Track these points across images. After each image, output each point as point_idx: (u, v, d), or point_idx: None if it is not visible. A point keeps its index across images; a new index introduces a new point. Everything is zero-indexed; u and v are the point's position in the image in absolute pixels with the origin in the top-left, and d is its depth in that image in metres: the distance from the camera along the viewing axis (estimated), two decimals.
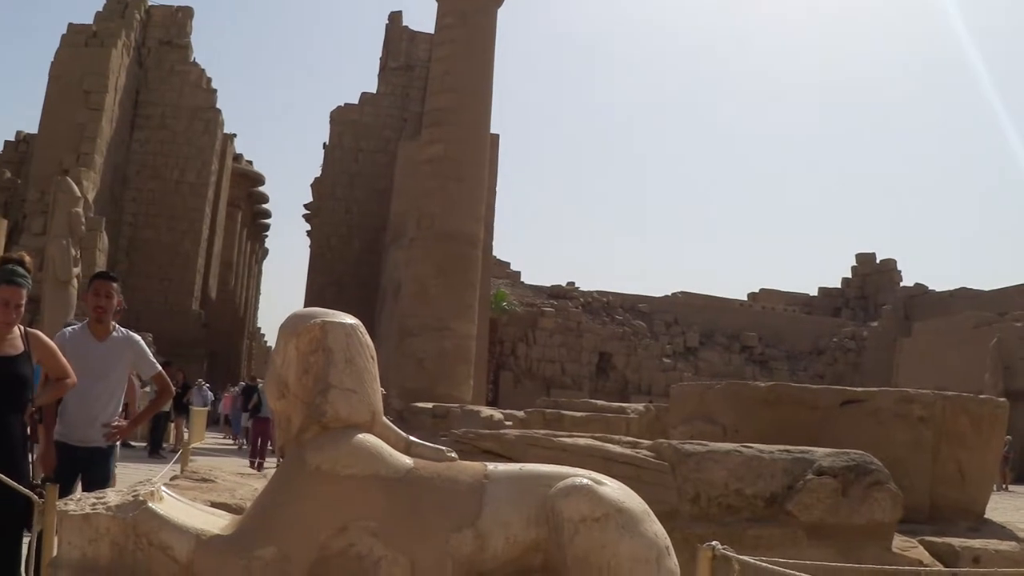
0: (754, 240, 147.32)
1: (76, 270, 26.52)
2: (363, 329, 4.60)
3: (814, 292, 60.17)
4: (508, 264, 49.47)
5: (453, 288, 26.76)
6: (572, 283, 48.65)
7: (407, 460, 4.32)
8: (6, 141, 45.79)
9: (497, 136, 34.46)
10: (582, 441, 6.67)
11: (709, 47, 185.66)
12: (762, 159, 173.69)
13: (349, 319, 4.56)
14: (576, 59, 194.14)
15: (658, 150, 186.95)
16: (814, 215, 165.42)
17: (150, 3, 48.28)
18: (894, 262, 57.64)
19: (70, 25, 42.19)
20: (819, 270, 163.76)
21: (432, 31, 31.43)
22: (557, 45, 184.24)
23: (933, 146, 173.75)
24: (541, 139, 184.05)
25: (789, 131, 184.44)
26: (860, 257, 59.44)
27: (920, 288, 53.21)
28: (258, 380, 30.13)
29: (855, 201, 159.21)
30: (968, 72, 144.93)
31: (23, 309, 5.69)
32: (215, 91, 49.56)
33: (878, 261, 58.46)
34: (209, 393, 33.88)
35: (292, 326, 4.46)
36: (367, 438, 4.32)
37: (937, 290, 51.99)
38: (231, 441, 32.18)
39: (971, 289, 49.51)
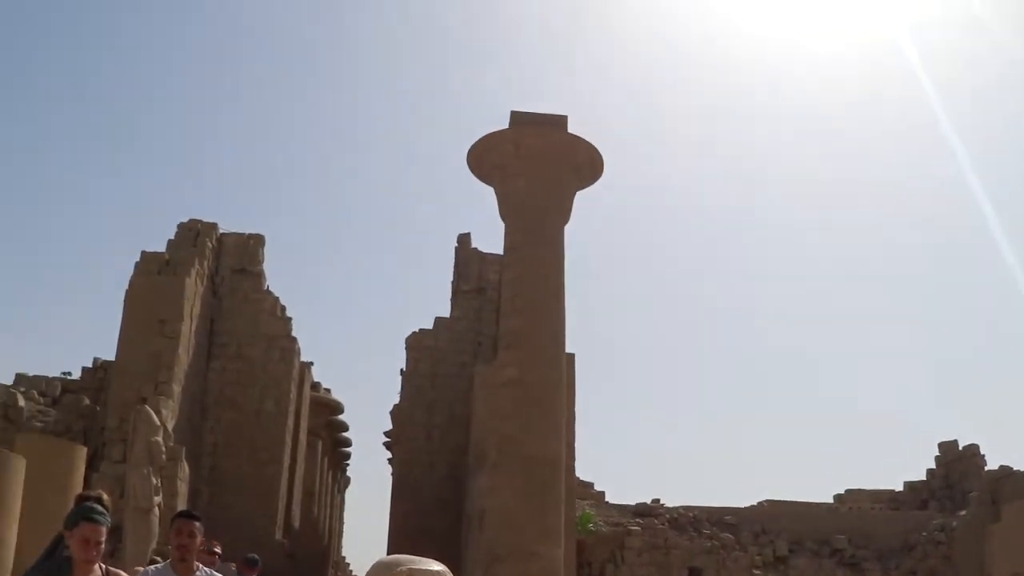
0: (835, 441, 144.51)
1: (157, 499, 26.67)
2: (450, 575, 4.53)
3: (900, 487, 58.68)
4: (592, 484, 48.91)
5: (537, 512, 26.43)
6: (657, 500, 47.79)
7: None
8: (84, 368, 46.65)
9: (573, 355, 34.60)
10: None
11: (785, 240, 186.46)
12: (832, 363, 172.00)
13: (436, 566, 4.49)
14: (647, 268, 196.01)
15: (728, 363, 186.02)
16: (892, 408, 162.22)
17: (221, 231, 49.25)
18: (977, 447, 55.97)
19: (143, 253, 43.11)
20: (903, 464, 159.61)
21: (501, 252, 31.95)
22: (627, 251, 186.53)
23: (1001, 323, 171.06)
24: (619, 357, 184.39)
25: (857, 324, 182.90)
26: (943, 446, 57.96)
27: (1005, 470, 51.50)
28: None
29: (933, 389, 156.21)
30: None
31: (103, 546, 5.75)
32: (290, 319, 50.09)
33: (961, 448, 57.05)
34: None
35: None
36: None
37: (1023, 469, 50.47)
38: None
39: None
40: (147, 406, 32.21)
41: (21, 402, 40.58)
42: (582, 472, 45.54)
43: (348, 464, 75.19)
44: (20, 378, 45.69)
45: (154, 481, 27.07)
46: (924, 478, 58.65)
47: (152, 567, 7.19)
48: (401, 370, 51.61)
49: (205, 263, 46.02)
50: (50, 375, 47.42)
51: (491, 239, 52.32)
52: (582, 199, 32.26)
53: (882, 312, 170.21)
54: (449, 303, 53.66)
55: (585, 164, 30.94)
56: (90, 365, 47.18)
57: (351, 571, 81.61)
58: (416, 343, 51.45)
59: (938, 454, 58.40)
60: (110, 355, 42.85)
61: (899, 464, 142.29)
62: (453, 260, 54.15)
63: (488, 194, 32.34)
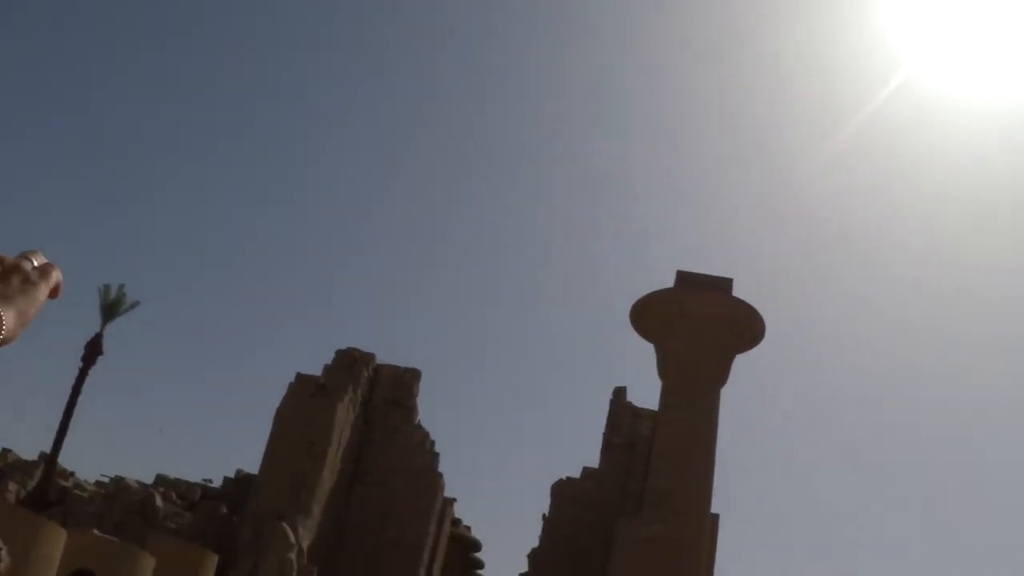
0: None
1: None
2: None
3: None
4: None
5: None
6: None
7: None
8: (226, 477, 47.62)
9: (717, 516, 34.16)
10: None
11: None
12: None
13: None
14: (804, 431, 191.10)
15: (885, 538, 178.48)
16: None
17: (378, 362, 50.06)
18: None
19: (298, 375, 44.50)
20: None
21: (656, 408, 31.93)
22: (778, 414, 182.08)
23: None
24: (761, 520, 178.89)
25: None
26: None
27: None
28: None
29: None
30: None
31: None
32: (437, 454, 50.51)
33: None
34: None
35: None
36: None
37: None
38: None
39: None
40: (285, 523, 32.80)
41: (158, 502, 41.68)
42: None
43: None
44: (160, 479, 47.08)
45: None
46: None
47: None
48: (544, 515, 51.33)
49: (359, 391, 46.92)
50: (191, 480, 48.46)
51: (647, 393, 52.06)
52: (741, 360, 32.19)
53: None
54: (599, 454, 53.37)
55: (747, 329, 31.05)
56: (232, 476, 48.09)
57: None
58: (561, 491, 51.21)
59: None
60: (254, 468, 43.91)
61: None
62: (607, 412, 53.94)
63: (647, 349, 32.60)
